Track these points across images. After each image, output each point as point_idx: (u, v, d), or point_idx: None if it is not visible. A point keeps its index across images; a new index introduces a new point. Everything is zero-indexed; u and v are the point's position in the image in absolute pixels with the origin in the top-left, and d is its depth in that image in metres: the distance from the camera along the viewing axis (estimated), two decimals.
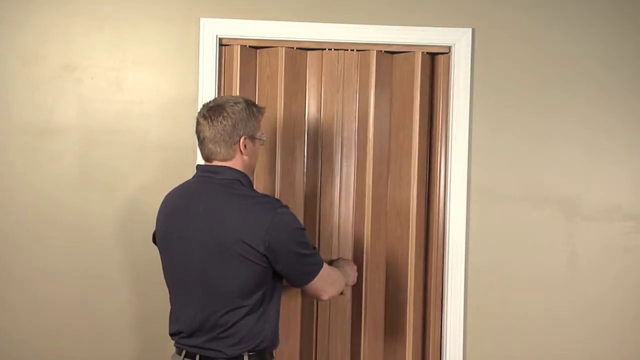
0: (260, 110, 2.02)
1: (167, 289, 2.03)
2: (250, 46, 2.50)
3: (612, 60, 2.55)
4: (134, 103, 2.46)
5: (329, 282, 2.03)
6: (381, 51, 2.53)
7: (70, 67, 2.44)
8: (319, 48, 2.52)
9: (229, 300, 1.89)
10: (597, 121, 2.56)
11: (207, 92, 2.43)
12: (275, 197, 2.46)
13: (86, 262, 2.46)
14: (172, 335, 2.01)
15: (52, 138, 2.44)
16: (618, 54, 2.55)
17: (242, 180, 1.95)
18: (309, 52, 2.53)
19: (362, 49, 2.53)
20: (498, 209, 2.54)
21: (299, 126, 2.53)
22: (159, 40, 2.46)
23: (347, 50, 2.53)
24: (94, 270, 2.46)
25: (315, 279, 1.97)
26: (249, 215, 1.88)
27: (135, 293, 2.47)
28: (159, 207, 2.06)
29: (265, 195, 2.00)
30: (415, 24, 2.50)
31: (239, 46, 2.48)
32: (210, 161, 1.98)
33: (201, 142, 1.97)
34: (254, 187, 2.05)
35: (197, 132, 1.97)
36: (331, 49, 2.52)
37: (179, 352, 1.98)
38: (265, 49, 2.51)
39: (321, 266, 1.99)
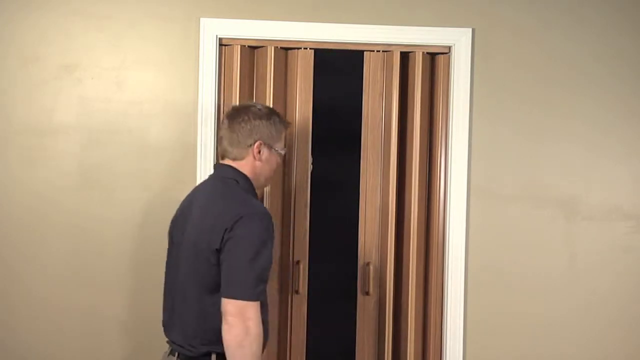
0: (283, 123, 2.05)
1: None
2: (250, 46, 2.50)
3: (613, 59, 2.55)
4: (134, 103, 2.46)
5: (241, 317, 1.76)
6: (379, 51, 2.53)
7: (70, 67, 2.44)
8: (318, 48, 2.52)
9: (200, 297, 1.88)
10: (598, 121, 2.55)
11: (207, 92, 2.43)
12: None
13: (85, 262, 2.45)
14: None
15: (52, 138, 2.44)
16: (619, 53, 2.55)
17: (239, 180, 1.95)
18: (308, 51, 2.53)
19: (362, 49, 2.53)
20: (498, 209, 2.53)
21: (302, 127, 2.53)
22: (159, 40, 2.46)
23: (348, 50, 2.52)
24: (94, 271, 2.45)
25: (232, 300, 1.78)
26: (222, 208, 1.86)
27: (135, 294, 2.46)
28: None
29: (254, 200, 1.94)
30: (415, 24, 2.50)
31: (239, 46, 2.48)
32: (223, 159, 2.01)
33: (219, 140, 2.01)
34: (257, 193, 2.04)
35: (219, 129, 2.02)
36: (331, 49, 2.52)
37: (170, 350, 2.00)
38: (263, 49, 2.51)
39: (249, 299, 1.77)
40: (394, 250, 2.54)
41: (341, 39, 2.49)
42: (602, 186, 2.56)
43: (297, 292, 2.52)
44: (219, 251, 1.82)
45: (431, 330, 2.57)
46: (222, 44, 2.48)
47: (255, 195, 2.00)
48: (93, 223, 2.45)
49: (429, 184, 2.59)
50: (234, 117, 1.98)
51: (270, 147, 1.99)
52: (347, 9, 2.49)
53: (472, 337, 2.54)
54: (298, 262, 2.52)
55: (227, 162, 1.99)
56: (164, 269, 2.05)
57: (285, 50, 2.53)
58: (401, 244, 2.58)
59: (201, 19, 2.45)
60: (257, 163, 1.97)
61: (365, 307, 2.56)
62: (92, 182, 2.45)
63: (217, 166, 2.03)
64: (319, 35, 2.48)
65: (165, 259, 2.06)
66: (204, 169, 2.41)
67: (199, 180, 2.40)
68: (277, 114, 2.05)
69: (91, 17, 2.44)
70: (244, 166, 1.97)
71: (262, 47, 2.51)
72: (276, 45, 2.50)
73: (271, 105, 2.47)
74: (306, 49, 2.52)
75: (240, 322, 1.76)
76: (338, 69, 2.59)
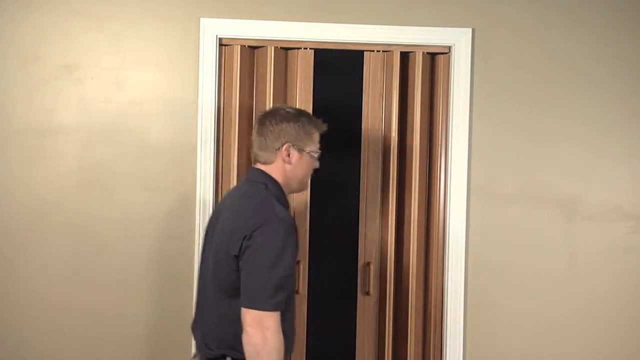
0: (314, 123, 1.99)
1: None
2: (250, 46, 2.51)
3: (613, 59, 2.55)
4: (134, 103, 2.46)
5: (259, 327, 1.74)
6: (380, 51, 2.53)
7: (70, 67, 2.44)
8: (317, 48, 2.52)
9: (220, 300, 1.87)
10: (598, 121, 2.56)
11: (207, 92, 2.44)
12: None
13: (85, 262, 2.45)
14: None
15: (52, 138, 2.44)
16: (619, 53, 2.55)
17: (268, 184, 1.92)
18: (308, 51, 2.53)
19: (362, 49, 2.53)
20: (498, 209, 2.53)
21: None
22: (159, 40, 2.46)
23: (348, 50, 2.53)
24: (94, 271, 2.45)
25: (250, 310, 1.75)
26: (244, 214, 1.84)
27: (135, 294, 2.46)
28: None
29: (278, 206, 1.86)
30: (415, 24, 2.50)
31: (239, 46, 2.48)
32: (255, 163, 1.99)
33: (251, 144, 2.00)
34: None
35: (252, 134, 2.00)
36: (331, 49, 2.52)
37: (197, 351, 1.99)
38: (263, 49, 2.51)
39: (267, 309, 1.75)
40: (394, 250, 2.55)
41: (341, 39, 2.49)
42: (602, 186, 2.56)
43: (297, 292, 2.52)
44: (237, 257, 1.80)
45: (431, 330, 2.57)
46: (222, 44, 2.48)
47: (284, 200, 1.95)
48: (93, 223, 2.45)
49: (429, 184, 2.59)
50: (262, 121, 1.96)
51: (300, 150, 1.94)
52: (347, 9, 2.49)
53: (472, 337, 2.54)
54: (298, 262, 2.52)
55: (258, 166, 1.97)
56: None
57: (285, 50, 2.53)
58: (401, 244, 2.58)
59: (201, 19, 2.45)
60: (287, 166, 1.93)
61: (365, 307, 2.57)
62: (92, 182, 2.45)
63: (249, 170, 2.01)
64: (319, 35, 2.48)
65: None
66: (204, 169, 2.42)
67: (199, 181, 2.41)
68: (307, 115, 2.00)
69: (91, 17, 2.44)
70: (274, 170, 1.93)
71: (262, 47, 2.52)
72: (276, 45, 2.50)
73: (271, 105, 2.48)
74: (306, 49, 2.52)
75: (258, 332, 1.74)
76: (338, 69, 2.59)
